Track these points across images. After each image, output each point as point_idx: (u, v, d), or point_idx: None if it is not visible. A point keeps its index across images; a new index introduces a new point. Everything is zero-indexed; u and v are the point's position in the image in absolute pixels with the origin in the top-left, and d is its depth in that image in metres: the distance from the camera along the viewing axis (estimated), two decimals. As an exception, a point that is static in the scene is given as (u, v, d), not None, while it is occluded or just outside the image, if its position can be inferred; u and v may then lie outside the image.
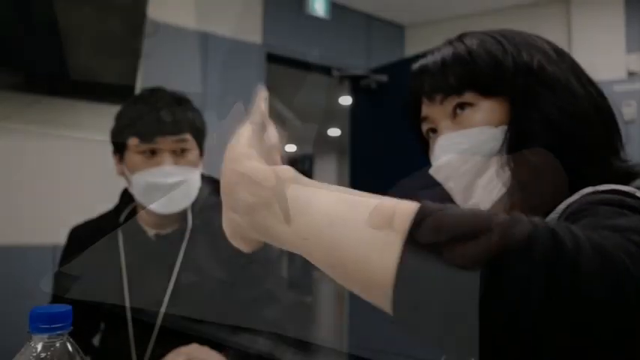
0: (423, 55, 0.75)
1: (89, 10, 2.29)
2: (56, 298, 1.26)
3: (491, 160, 0.65)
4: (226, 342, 1.15)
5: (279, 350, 1.20)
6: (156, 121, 1.15)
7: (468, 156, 0.66)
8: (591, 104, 0.65)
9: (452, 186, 0.69)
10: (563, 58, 0.69)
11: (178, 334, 1.12)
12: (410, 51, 3.79)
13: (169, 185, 1.15)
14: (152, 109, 1.16)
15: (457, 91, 0.68)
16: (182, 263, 1.20)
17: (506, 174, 0.64)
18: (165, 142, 1.16)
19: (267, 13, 3.18)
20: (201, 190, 1.25)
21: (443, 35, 0.74)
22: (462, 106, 0.68)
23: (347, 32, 3.56)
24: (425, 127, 0.74)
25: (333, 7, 3.47)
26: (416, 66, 0.74)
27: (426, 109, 0.72)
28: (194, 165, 1.20)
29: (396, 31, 3.83)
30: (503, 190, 0.64)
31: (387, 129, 3.40)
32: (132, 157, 1.17)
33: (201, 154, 1.25)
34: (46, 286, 1.32)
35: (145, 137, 1.15)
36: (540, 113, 0.64)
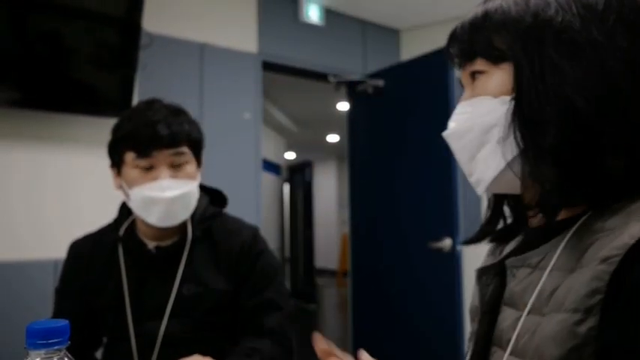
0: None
1: (84, 24, 2.30)
2: (57, 313, 1.26)
3: (490, 133, 0.60)
4: (228, 352, 1.14)
5: (282, 358, 1.19)
6: (152, 134, 1.14)
7: (469, 128, 0.62)
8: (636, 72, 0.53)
9: (459, 157, 0.66)
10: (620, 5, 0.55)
11: (181, 346, 1.12)
12: (405, 55, 3.80)
13: (168, 199, 1.15)
14: (148, 123, 1.15)
15: (469, 57, 0.64)
16: (183, 274, 1.20)
17: (508, 148, 0.58)
18: (162, 156, 1.15)
19: (262, 22, 3.20)
20: (199, 201, 1.25)
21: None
22: (479, 72, 0.64)
23: (342, 38, 3.57)
24: None
25: (328, 13, 3.49)
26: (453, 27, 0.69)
27: (461, 74, 0.68)
28: (192, 177, 1.20)
29: (391, 35, 3.84)
30: (502, 165, 0.59)
31: (385, 133, 3.40)
32: (129, 171, 1.17)
33: (199, 165, 1.25)
34: None
35: (141, 152, 1.14)
36: (545, 84, 0.55)
